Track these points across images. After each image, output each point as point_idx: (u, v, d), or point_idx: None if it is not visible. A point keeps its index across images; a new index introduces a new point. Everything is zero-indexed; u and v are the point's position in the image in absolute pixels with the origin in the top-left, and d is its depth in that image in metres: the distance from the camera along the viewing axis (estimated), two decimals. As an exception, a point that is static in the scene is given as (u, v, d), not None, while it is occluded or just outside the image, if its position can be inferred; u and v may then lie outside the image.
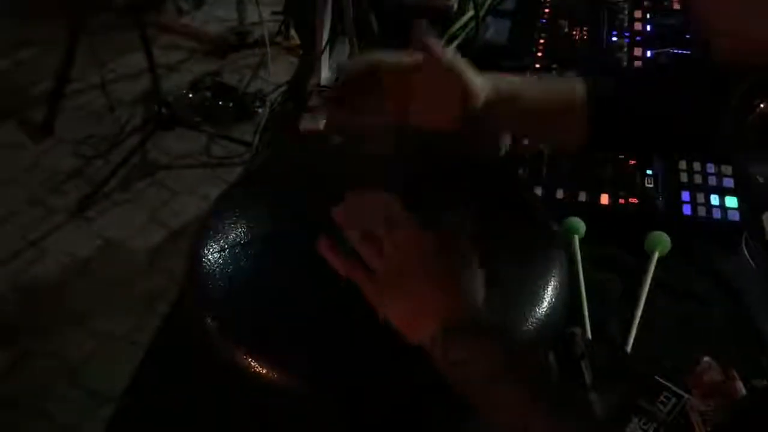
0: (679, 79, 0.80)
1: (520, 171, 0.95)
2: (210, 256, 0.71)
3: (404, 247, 0.61)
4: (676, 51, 1.16)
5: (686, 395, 0.70)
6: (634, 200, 0.92)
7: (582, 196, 0.93)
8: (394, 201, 0.65)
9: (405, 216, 0.63)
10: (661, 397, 0.70)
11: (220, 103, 2.50)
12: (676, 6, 1.27)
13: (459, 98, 0.71)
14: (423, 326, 0.59)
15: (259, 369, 0.63)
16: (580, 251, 0.86)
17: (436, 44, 0.72)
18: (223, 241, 0.72)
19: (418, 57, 0.72)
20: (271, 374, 0.63)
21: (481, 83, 0.72)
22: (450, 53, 0.73)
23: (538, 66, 1.13)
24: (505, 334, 0.62)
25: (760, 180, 0.95)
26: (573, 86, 0.76)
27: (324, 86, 1.15)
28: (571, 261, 0.84)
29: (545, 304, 0.69)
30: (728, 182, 0.94)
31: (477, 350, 0.56)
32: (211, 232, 0.74)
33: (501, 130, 0.82)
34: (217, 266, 0.70)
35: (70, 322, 1.90)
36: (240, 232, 0.73)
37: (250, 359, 0.63)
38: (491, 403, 0.55)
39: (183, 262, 0.73)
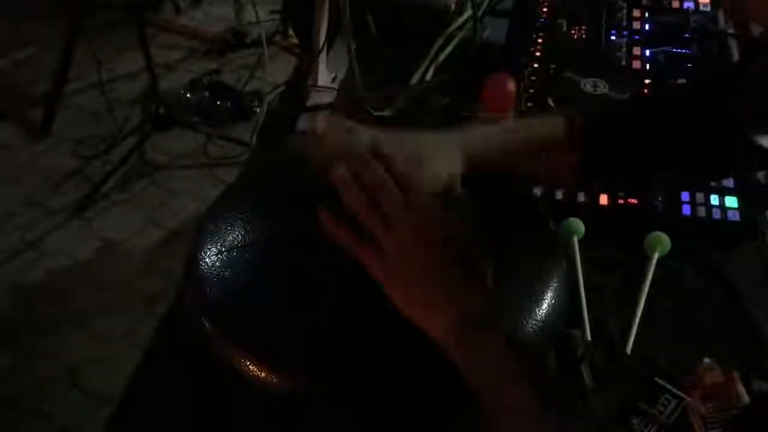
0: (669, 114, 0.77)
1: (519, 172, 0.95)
2: (208, 258, 0.71)
3: (418, 225, 0.58)
4: (675, 50, 1.16)
5: (686, 397, 0.70)
6: (634, 201, 0.92)
7: (581, 197, 0.92)
8: (406, 163, 0.61)
9: (419, 191, 0.60)
10: (661, 399, 0.70)
11: (218, 102, 2.49)
12: (675, 4, 1.27)
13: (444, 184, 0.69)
14: (436, 316, 0.57)
15: (256, 371, 0.63)
16: (580, 252, 0.86)
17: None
18: (221, 243, 0.72)
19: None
20: (268, 376, 0.63)
21: (447, 166, 0.70)
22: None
23: (536, 66, 1.13)
24: (516, 336, 0.61)
25: (761, 180, 0.95)
26: (551, 128, 0.75)
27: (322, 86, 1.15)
28: (571, 262, 0.84)
29: (545, 305, 0.69)
30: (728, 182, 0.94)
31: (490, 346, 0.55)
32: (209, 234, 0.73)
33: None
34: (215, 268, 0.70)
35: (69, 323, 1.89)
36: (238, 234, 0.73)
37: (247, 361, 0.63)
38: (499, 401, 0.53)
39: (181, 262, 0.73)
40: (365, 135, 0.70)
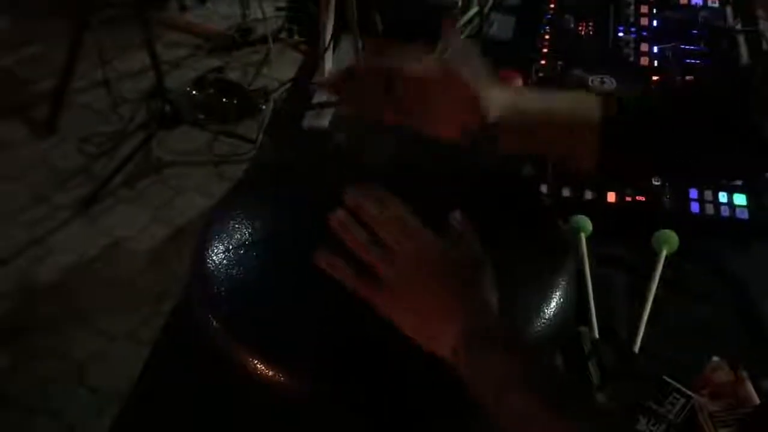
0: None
1: (526, 169, 0.94)
2: (214, 256, 0.71)
3: (416, 253, 0.60)
4: (683, 46, 1.16)
5: (694, 396, 0.69)
6: (642, 198, 0.92)
7: (588, 194, 0.92)
8: (397, 203, 0.63)
9: (413, 220, 0.62)
10: (669, 398, 0.70)
11: (224, 100, 2.49)
12: (683, 1, 1.26)
13: (473, 112, 0.70)
14: (441, 336, 0.58)
15: (261, 369, 0.63)
16: (587, 250, 0.86)
17: (465, 48, 0.70)
18: (228, 241, 0.72)
19: (434, 63, 0.71)
20: (273, 375, 0.63)
21: (498, 99, 0.70)
22: (477, 60, 0.71)
23: (543, 62, 1.12)
24: (521, 341, 0.61)
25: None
26: (593, 104, 0.73)
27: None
28: (578, 260, 0.84)
29: (553, 303, 0.68)
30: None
31: (495, 358, 0.56)
32: (216, 232, 0.73)
33: (518, 145, 0.79)
34: (221, 266, 0.70)
35: (75, 321, 1.90)
36: (244, 232, 0.73)
37: (252, 359, 0.63)
38: (509, 412, 0.54)
39: (187, 260, 0.73)
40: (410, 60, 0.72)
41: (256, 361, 0.63)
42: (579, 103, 0.73)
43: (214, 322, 0.66)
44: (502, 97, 0.71)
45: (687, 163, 0.74)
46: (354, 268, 0.61)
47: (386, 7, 1.21)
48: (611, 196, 0.92)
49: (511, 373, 0.55)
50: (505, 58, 1.11)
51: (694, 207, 0.91)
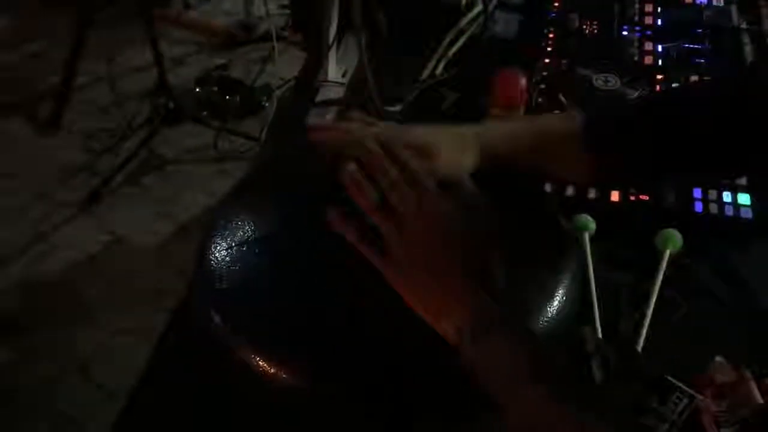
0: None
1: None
2: (218, 253, 0.71)
3: (427, 223, 0.57)
4: (687, 45, 1.15)
5: (698, 396, 0.69)
6: (645, 197, 0.92)
7: (592, 193, 0.92)
8: (414, 157, 0.60)
9: (429, 183, 0.59)
10: (673, 397, 0.70)
11: (227, 97, 2.49)
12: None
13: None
14: (449, 314, 0.56)
15: (265, 366, 0.63)
16: (591, 249, 0.86)
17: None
18: (231, 239, 0.72)
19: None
20: (276, 372, 0.63)
21: (460, 159, 0.69)
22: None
23: (547, 61, 1.12)
24: (531, 331, 0.60)
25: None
26: (568, 123, 0.73)
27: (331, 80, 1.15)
28: (582, 259, 0.83)
29: (556, 302, 0.68)
30: (741, 179, 0.93)
31: (504, 345, 0.54)
32: (219, 229, 0.73)
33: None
34: (225, 263, 0.70)
35: (79, 317, 1.90)
36: (248, 230, 0.73)
37: (256, 357, 0.63)
38: (516, 401, 0.53)
39: (190, 256, 0.73)
40: (377, 127, 0.69)
41: (257, 359, 0.63)
42: (558, 124, 0.74)
43: (217, 319, 0.66)
44: (468, 153, 0.69)
45: (691, 163, 0.73)
46: (362, 230, 0.59)
47: (390, 4, 1.21)
48: (615, 195, 0.92)
49: (521, 364, 0.53)
50: (509, 57, 1.11)
51: (698, 206, 0.90)
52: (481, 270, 0.58)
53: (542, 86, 1.07)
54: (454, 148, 0.69)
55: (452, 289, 0.57)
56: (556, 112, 1.02)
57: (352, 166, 0.60)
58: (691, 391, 0.70)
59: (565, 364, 0.67)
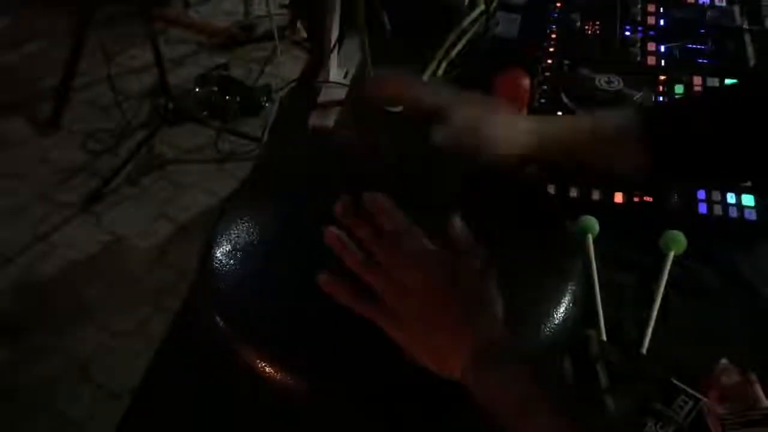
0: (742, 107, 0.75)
1: (530, 168, 0.94)
2: (220, 254, 0.71)
3: (417, 270, 0.58)
4: (690, 45, 1.15)
5: (703, 398, 0.69)
6: (649, 198, 0.91)
7: (595, 195, 0.92)
8: (396, 213, 0.60)
9: (413, 233, 0.59)
10: (678, 400, 0.69)
11: (228, 97, 2.49)
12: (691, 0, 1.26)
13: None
14: (453, 360, 0.56)
15: (267, 368, 0.63)
16: (594, 250, 0.85)
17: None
18: (235, 240, 0.72)
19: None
20: (279, 373, 0.63)
21: (513, 142, 0.71)
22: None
23: (550, 61, 1.12)
24: (535, 359, 0.59)
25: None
26: (626, 121, 0.73)
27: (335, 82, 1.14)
28: (585, 260, 0.83)
29: (560, 305, 0.68)
30: (744, 180, 0.93)
31: (508, 379, 0.54)
32: (223, 230, 0.73)
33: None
34: (228, 264, 0.70)
35: (79, 318, 1.90)
36: (252, 231, 0.73)
37: (258, 358, 0.63)
38: (526, 429, 0.53)
39: (191, 256, 0.73)
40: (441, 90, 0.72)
41: (260, 360, 0.63)
42: (616, 121, 0.74)
43: (220, 321, 0.66)
44: (520, 138, 0.71)
45: (735, 166, 0.73)
46: (355, 288, 0.59)
47: (394, 5, 1.21)
48: (618, 197, 0.91)
49: (530, 393, 0.53)
50: (511, 57, 1.11)
51: (702, 208, 0.90)
52: (480, 303, 0.58)
53: (544, 87, 1.07)
54: (510, 128, 0.71)
55: (451, 332, 0.57)
56: (559, 113, 1.02)
57: (334, 228, 0.60)
58: (697, 394, 0.69)
59: (571, 383, 0.67)
